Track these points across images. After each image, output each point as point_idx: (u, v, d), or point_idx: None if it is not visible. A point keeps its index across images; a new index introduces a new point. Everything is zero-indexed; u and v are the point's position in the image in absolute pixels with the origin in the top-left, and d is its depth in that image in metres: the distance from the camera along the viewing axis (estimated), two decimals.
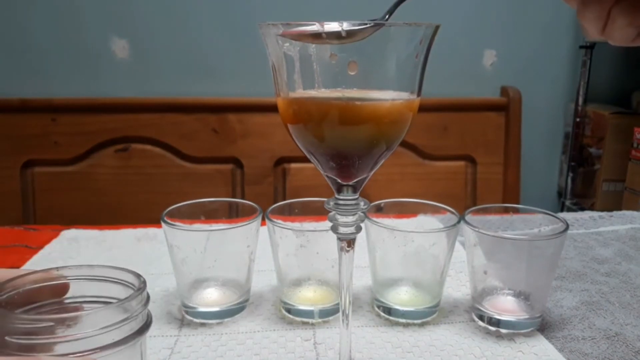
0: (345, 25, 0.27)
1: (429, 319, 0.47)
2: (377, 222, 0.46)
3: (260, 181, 1.30)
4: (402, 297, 0.48)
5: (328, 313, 0.47)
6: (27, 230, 0.66)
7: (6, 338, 0.25)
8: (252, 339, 0.44)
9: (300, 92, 0.30)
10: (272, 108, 1.26)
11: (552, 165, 1.52)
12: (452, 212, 0.48)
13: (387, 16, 0.31)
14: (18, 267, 0.56)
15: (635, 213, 0.73)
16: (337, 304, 0.47)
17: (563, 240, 0.44)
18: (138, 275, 0.31)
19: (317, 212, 0.50)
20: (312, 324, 0.47)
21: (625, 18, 0.28)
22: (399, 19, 0.28)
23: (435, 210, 0.50)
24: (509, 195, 1.37)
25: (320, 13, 1.28)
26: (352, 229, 0.34)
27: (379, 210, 0.50)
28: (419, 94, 0.32)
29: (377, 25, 0.27)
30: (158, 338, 0.44)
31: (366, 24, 0.27)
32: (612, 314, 0.48)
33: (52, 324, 0.25)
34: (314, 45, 0.28)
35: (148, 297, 0.30)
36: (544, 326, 0.46)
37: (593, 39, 1.35)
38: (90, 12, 1.26)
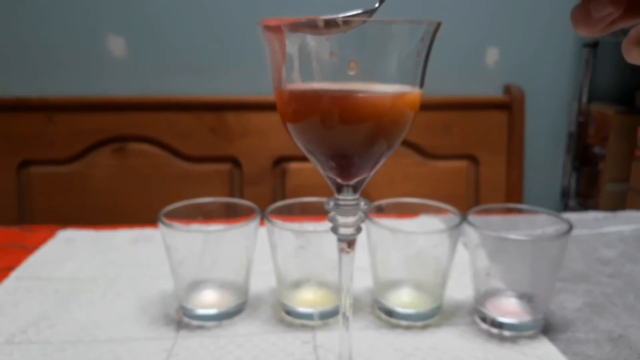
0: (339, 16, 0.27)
1: (430, 321, 0.47)
2: (378, 223, 0.45)
3: (259, 181, 1.30)
4: (403, 299, 0.47)
5: (328, 315, 0.47)
6: (23, 230, 0.65)
7: None
8: (251, 341, 0.44)
9: (300, 88, 0.30)
10: (270, 106, 1.26)
11: (555, 165, 1.51)
12: (455, 213, 0.47)
13: (378, 4, 0.31)
14: (13, 267, 0.55)
15: (639, 214, 0.73)
16: (337, 306, 0.46)
17: (567, 242, 0.44)
18: None
19: (317, 212, 0.49)
20: (312, 327, 0.46)
21: None
22: (400, 16, 0.28)
23: (437, 211, 0.50)
24: (512, 195, 1.37)
25: (320, 8, 1.27)
26: (352, 230, 0.34)
27: (380, 210, 0.50)
28: (420, 92, 0.31)
29: (369, 12, 0.27)
30: (155, 340, 0.43)
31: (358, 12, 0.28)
32: (615, 316, 0.47)
33: None
34: (314, 43, 0.28)
35: None
36: (547, 328, 0.46)
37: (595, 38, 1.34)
38: (86, 10, 1.25)
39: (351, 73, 0.28)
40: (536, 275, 0.45)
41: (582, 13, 0.28)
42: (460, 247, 0.58)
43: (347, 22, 0.27)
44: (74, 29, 1.26)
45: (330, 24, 0.27)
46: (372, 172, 0.33)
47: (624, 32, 0.29)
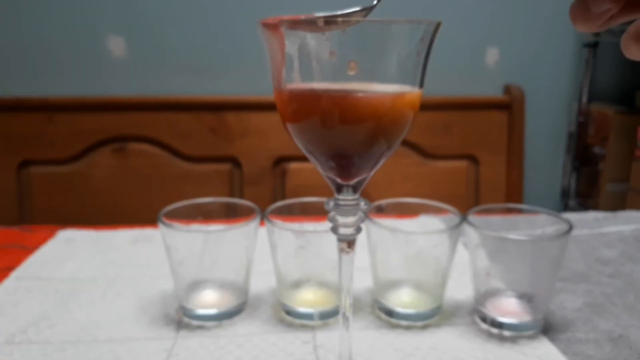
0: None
1: (430, 321, 0.47)
2: (378, 223, 0.45)
3: (259, 181, 1.30)
4: (403, 299, 0.47)
5: (328, 315, 0.47)
6: (23, 230, 0.65)
7: None
8: (251, 341, 0.44)
9: (299, 88, 0.30)
10: (270, 106, 1.26)
11: (555, 165, 1.51)
12: (455, 213, 0.47)
13: (376, 1, 0.31)
14: (13, 267, 0.55)
15: (639, 213, 0.73)
16: (337, 306, 0.46)
17: (567, 241, 0.44)
18: None
19: (317, 212, 0.49)
20: (312, 327, 0.46)
21: None
22: (400, 16, 0.28)
23: (437, 211, 0.50)
24: (512, 195, 1.37)
25: (320, 9, 1.27)
26: (352, 230, 0.34)
27: (380, 210, 0.50)
28: (420, 92, 0.31)
29: (367, 9, 0.27)
30: (155, 340, 0.43)
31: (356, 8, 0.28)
32: (616, 316, 0.47)
33: None
34: (314, 43, 0.28)
35: None
36: (547, 328, 0.46)
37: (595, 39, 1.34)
38: (86, 10, 1.25)
39: (351, 73, 0.28)
40: (536, 275, 0.45)
41: (581, 8, 0.28)
42: (460, 247, 0.58)
43: (345, 19, 0.27)
44: (74, 29, 1.26)
45: (328, 21, 0.27)
46: (372, 172, 0.33)
47: (623, 31, 0.29)
